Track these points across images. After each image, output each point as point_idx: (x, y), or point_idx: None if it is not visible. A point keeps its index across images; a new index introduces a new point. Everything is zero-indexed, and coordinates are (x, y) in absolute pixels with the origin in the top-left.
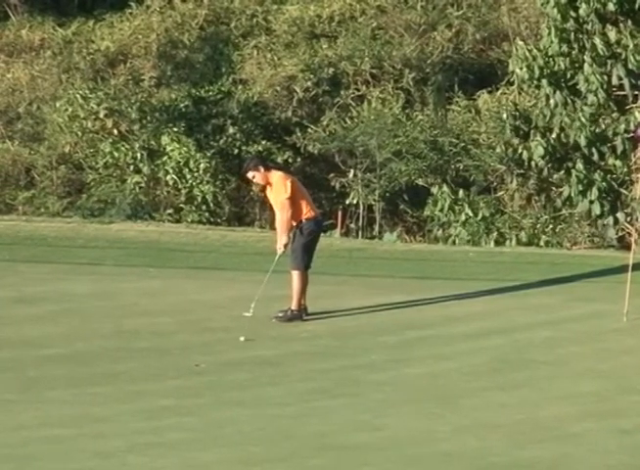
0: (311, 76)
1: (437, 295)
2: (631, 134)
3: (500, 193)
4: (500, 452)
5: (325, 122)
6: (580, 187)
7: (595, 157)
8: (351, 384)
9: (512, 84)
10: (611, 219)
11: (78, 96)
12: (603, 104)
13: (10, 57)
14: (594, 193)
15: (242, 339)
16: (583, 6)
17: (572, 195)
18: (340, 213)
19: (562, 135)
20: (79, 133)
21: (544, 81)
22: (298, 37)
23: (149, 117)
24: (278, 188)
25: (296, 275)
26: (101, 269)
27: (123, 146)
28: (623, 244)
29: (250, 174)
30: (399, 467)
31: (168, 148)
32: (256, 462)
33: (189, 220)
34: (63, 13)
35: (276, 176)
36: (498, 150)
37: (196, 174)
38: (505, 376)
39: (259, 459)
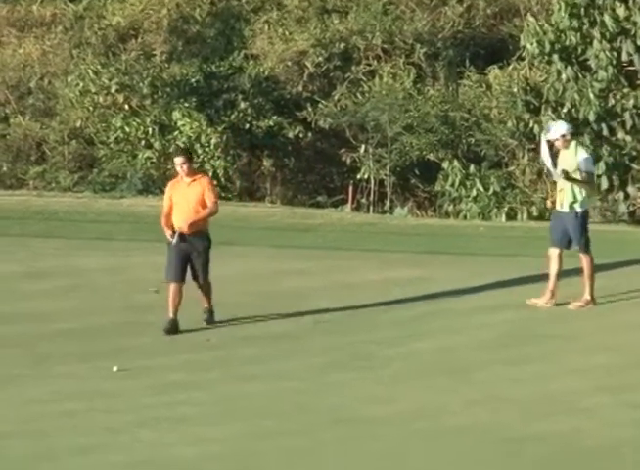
0: (322, 51)
1: (448, 269)
2: None
3: (511, 168)
4: (512, 426)
5: (336, 97)
6: None
7: (604, 132)
8: (363, 358)
9: (523, 59)
10: (621, 194)
11: (90, 71)
12: (613, 79)
13: (21, 32)
14: (601, 167)
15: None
16: None
17: None
18: (351, 188)
19: (573, 110)
20: (91, 108)
21: (555, 56)
22: (310, 12)
23: (160, 93)
24: (213, 189)
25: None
26: (112, 244)
27: (134, 121)
28: (635, 218)
29: (182, 160)
30: (412, 440)
31: (179, 123)
32: (269, 435)
33: None
34: None
35: (206, 176)
36: (509, 124)
37: (207, 149)
38: (516, 350)
39: (272, 433)
